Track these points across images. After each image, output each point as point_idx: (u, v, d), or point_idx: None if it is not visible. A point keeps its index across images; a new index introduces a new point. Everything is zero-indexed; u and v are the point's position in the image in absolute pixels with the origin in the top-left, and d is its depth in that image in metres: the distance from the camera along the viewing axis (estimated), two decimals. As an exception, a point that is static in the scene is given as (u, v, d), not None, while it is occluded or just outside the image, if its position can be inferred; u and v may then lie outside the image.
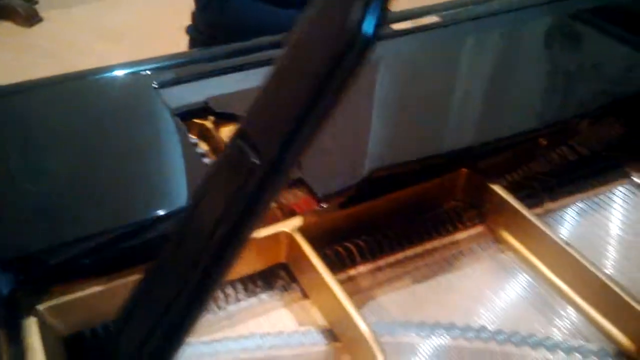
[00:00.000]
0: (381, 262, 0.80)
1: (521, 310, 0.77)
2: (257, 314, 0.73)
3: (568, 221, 0.89)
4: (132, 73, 0.86)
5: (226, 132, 0.97)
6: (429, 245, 0.83)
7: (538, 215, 0.83)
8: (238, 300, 0.73)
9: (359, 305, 0.74)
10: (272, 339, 0.69)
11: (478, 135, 0.86)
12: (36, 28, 3.42)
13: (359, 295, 0.76)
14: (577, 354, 0.70)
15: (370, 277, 0.79)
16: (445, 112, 0.89)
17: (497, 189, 0.83)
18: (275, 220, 0.76)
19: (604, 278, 0.71)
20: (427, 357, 0.69)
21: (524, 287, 0.80)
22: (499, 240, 0.85)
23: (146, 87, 0.85)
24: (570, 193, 0.91)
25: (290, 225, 0.75)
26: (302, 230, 0.75)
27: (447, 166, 0.85)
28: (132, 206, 0.67)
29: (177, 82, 0.87)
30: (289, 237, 0.74)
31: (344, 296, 0.67)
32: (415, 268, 0.81)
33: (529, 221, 0.79)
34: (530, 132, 0.88)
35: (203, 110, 0.84)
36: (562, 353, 0.70)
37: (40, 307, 0.62)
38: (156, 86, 0.85)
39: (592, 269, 0.73)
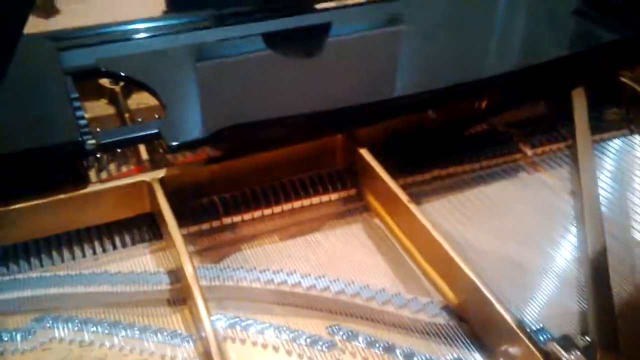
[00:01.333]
0: (247, 217, 0.84)
1: (374, 268, 0.80)
2: (122, 258, 0.79)
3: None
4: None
5: (136, 99, 1.04)
6: (298, 204, 0.87)
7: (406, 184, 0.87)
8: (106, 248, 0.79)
9: (209, 256, 0.80)
10: (123, 276, 0.74)
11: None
12: (53, 20, 3.59)
13: (216, 248, 0.81)
14: (408, 308, 0.73)
15: (232, 231, 0.84)
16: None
17: (365, 154, 0.87)
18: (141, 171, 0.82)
19: (441, 241, 0.74)
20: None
21: (381, 247, 0.83)
22: (367, 204, 0.88)
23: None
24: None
25: (151, 176, 0.80)
26: (164, 181, 0.80)
27: (321, 130, 0.88)
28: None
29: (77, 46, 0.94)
30: (149, 186, 0.79)
31: (183, 248, 0.72)
32: (283, 226, 0.86)
33: (389, 187, 0.82)
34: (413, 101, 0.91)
35: (93, 70, 0.90)
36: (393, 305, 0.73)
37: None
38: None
39: (433, 232, 0.75)
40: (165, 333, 0.69)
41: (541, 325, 0.70)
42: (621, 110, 1.08)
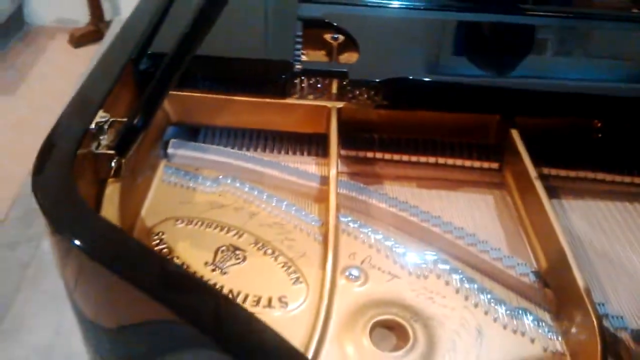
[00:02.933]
0: (396, 157, 1.00)
1: (488, 227, 0.90)
2: (295, 161, 1.02)
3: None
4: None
5: (346, 57, 1.27)
6: (443, 160, 1.00)
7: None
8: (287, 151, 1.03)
9: (355, 178, 0.98)
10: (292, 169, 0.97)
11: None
12: None
13: (363, 175, 0.99)
14: (502, 262, 0.82)
15: (381, 166, 1.00)
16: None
17: (515, 134, 0.96)
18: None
19: (556, 227, 0.80)
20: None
21: (503, 217, 0.92)
22: (505, 180, 0.97)
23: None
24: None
25: (333, 104, 1.01)
26: (341, 110, 1.00)
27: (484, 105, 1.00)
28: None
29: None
30: (328, 111, 1.00)
31: (335, 161, 0.91)
32: (425, 176, 1.00)
33: (527, 170, 0.90)
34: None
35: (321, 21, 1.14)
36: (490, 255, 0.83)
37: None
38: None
39: (552, 217, 0.82)
40: (303, 213, 0.90)
41: (620, 316, 0.74)
42: None
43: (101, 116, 0.83)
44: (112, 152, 0.81)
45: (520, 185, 0.93)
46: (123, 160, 0.82)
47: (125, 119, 0.82)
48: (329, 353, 0.70)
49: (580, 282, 0.71)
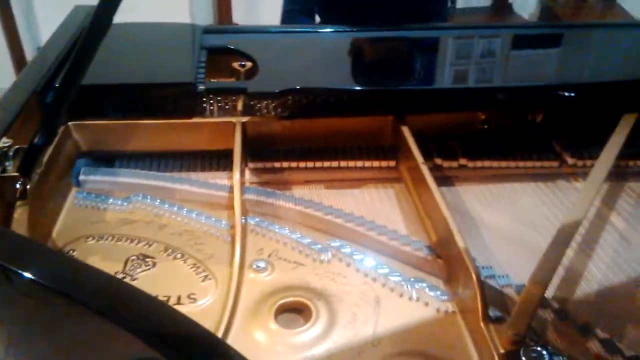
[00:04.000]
0: (302, 164, 1.06)
1: (389, 216, 0.97)
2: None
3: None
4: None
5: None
6: (344, 164, 1.07)
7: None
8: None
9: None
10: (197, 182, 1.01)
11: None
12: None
13: (271, 183, 1.05)
14: (399, 240, 0.88)
15: (287, 173, 1.06)
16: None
17: (405, 130, 1.05)
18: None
19: (442, 207, 0.87)
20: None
21: (402, 205, 0.99)
22: (400, 174, 1.05)
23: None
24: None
25: (238, 119, 1.07)
26: (245, 125, 1.06)
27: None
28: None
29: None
30: (233, 126, 1.06)
31: (238, 171, 0.97)
32: (329, 179, 1.06)
33: (417, 161, 0.98)
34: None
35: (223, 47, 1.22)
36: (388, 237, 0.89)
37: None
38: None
39: (437, 197, 0.90)
40: (212, 219, 0.94)
41: (505, 274, 0.81)
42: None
43: (4, 142, 0.86)
44: (16, 174, 0.84)
45: (412, 176, 1.01)
46: (28, 182, 0.84)
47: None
48: (237, 338, 0.74)
49: (460, 244, 0.78)
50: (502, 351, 0.67)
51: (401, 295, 0.80)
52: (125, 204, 0.97)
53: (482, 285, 0.74)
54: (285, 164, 1.06)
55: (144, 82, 1.07)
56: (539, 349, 0.65)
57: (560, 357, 0.69)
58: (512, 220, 0.97)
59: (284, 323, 0.77)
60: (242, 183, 0.97)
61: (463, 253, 0.77)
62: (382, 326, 0.75)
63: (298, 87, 1.05)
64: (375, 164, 1.07)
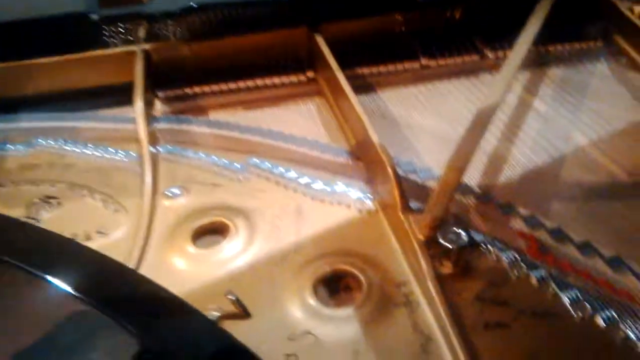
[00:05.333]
0: (215, 88, 1.00)
1: (310, 129, 0.92)
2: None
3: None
4: None
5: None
6: (261, 82, 1.01)
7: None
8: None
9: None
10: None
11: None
12: None
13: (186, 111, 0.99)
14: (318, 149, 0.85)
15: (202, 99, 1.00)
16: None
17: (320, 41, 0.99)
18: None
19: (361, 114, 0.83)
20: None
21: (323, 118, 0.95)
22: (320, 87, 1.01)
23: None
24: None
25: (140, 47, 0.99)
26: (148, 52, 0.99)
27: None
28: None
29: None
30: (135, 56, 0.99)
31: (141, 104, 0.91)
32: (247, 100, 1.01)
33: (334, 71, 0.93)
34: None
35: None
36: (308, 147, 0.85)
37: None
38: None
39: (354, 102, 0.86)
40: (121, 153, 0.88)
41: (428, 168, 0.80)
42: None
43: None
44: None
45: (330, 86, 0.97)
46: None
47: None
48: (153, 265, 0.70)
49: (375, 140, 0.75)
50: (421, 238, 0.65)
51: (322, 202, 0.77)
52: (26, 148, 0.90)
53: (397, 176, 0.71)
54: (197, 90, 1.00)
55: (30, 17, 0.97)
56: (456, 230, 0.64)
57: (482, 236, 0.68)
58: (438, 120, 0.94)
59: (204, 245, 0.73)
60: (149, 112, 0.90)
61: (378, 148, 0.74)
62: (304, 233, 0.73)
63: (195, 5, 0.98)
64: (293, 79, 1.02)
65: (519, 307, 0.62)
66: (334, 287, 0.67)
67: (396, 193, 0.69)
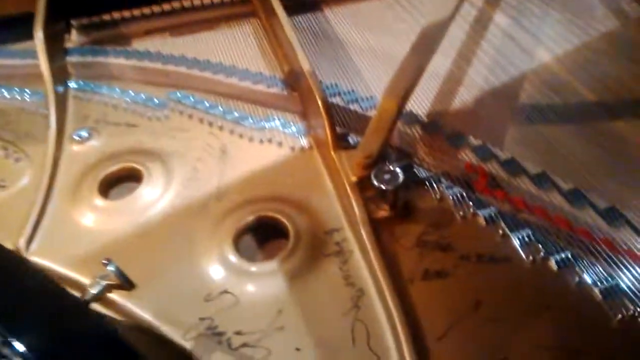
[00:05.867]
0: (136, 13, 0.88)
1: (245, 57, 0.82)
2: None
3: None
4: None
5: None
6: (187, 3, 0.89)
7: None
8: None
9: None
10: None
11: None
12: None
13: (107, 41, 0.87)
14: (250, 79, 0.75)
15: (123, 26, 0.88)
16: None
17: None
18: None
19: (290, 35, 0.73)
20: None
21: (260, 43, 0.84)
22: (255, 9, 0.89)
23: None
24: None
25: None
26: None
27: None
28: None
29: None
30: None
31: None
32: (175, 24, 0.89)
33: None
34: None
35: None
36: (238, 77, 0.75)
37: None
38: None
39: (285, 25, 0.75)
40: (25, 94, 0.77)
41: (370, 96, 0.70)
42: None
43: None
44: None
45: (263, 3, 0.85)
46: None
47: None
48: (56, 220, 0.61)
49: (306, 67, 0.66)
50: (353, 179, 0.57)
51: (251, 141, 0.68)
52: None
53: (328, 108, 0.62)
54: (117, 15, 0.88)
55: None
56: (392, 168, 0.55)
57: (426, 173, 0.60)
58: (391, 41, 0.83)
59: (113, 196, 0.65)
60: (57, 43, 0.79)
61: (308, 76, 0.64)
62: (229, 177, 0.64)
63: None
64: (226, -1, 0.90)
65: (463, 252, 0.55)
66: (259, 238, 0.59)
67: (327, 127, 0.61)
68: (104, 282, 0.46)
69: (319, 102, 0.62)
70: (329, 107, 0.62)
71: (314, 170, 0.64)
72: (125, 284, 0.46)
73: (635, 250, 0.54)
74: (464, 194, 0.59)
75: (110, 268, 0.46)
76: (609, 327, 0.49)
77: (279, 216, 0.58)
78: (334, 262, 0.55)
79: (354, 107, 0.70)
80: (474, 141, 0.65)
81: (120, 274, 0.45)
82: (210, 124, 0.71)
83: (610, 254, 0.54)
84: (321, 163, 0.64)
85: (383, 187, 0.55)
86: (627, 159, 0.63)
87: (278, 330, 0.51)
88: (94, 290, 0.45)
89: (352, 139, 0.65)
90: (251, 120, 0.70)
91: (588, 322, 0.50)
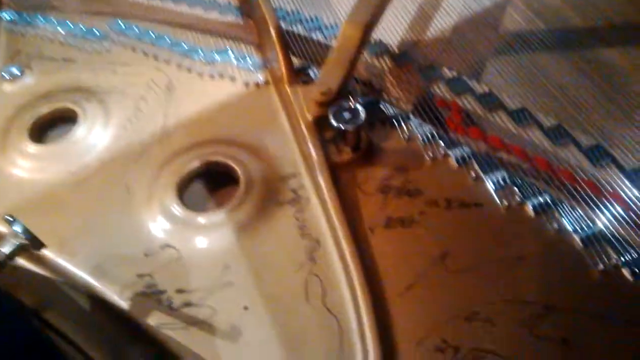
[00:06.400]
0: None
1: None
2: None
3: None
4: None
5: None
6: None
7: None
8: None
9: None
10: None
11: None
12: None
13: None
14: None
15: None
16: None
17: None
18: None
19: None
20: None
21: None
22: None
23: None
24: None
25: None
26: None
27: None
28: None
29: None
30: None
31: None
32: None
33: None
34: None
35: None
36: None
37: None
38: None
39: None
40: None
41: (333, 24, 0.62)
42: None
43: None
44: None
45: None
46: None
47: None
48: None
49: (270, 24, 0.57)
50: (309, 118, 0.51)
51: (201, 75, 0.61)
52: None
53: (281, 37, 0.55)
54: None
55: None
56: (353, 105, 0.49)
57: (393, 109, 0.54)
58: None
59: (46, 140, 0.58)
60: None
61: (261, 1, 0.57)
62: (175, 117, 0.57)
63: None
64: None
65: (431, 197, 0.49)
66: (210, 186, 0.53)
67: (280, 57, 0.54)
68: (17, 241, 0.41)
69: (271, 29, 0.54)
70: (282, 34, 0.55)
71: (270, 109, 0.57)
72: (34, 244, 0.40)
73: (621, 193, 0.49)
74: (435, 132, 0.53)
75: (16, 227, 0.40)
76: (589, 278, 0.45)
77: (228, 161, 0.52)
78: (288, 211, 0.50)
79: (317, 36, 0.62)
80: (449, 73, 0.58)
81: (25, 232, 0.40)
82: (156, 58, 0.63)
83: (594, 197, 0.49)
84: (278, 101, 0.57)
85: (342, 127, 0.48)
86: (617, 91, 0.57)
87: (225, 287, 0.46)
88: (4, 250, 0.39)
89: (313, 72, 0.58)
90: (201, 53, 0.63)
91: (567, 273, 0.45)
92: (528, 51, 0.61)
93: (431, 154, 0.52)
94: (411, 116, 0.54)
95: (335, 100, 0.50)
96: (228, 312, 0.45)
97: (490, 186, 0.49)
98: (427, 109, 0.55)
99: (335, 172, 0.50)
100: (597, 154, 0.51)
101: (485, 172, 0.50)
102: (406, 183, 0.50)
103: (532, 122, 0.54)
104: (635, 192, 0.49)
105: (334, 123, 0.48)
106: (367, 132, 0.52)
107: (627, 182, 0.50)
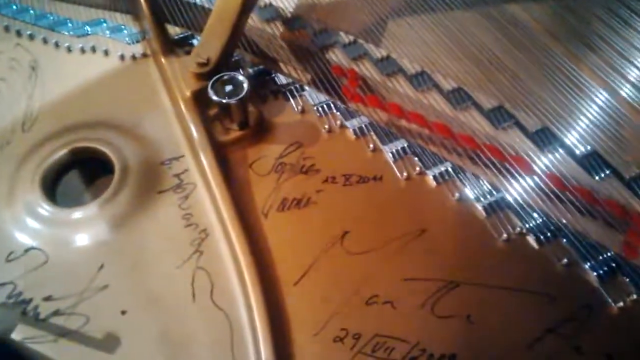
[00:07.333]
0: None
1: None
2: None
3: None
4: None
5: None
6: None
7: None
8: None
9: None
10: None
11: None
12: None
13: None
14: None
15: None
16: None
17: None
18: None
19: None
20: None
21: None
22: None
23: None
24: None
25: None
26: None
27: None
28: None
29: None
30: None
31: None
32: None
33: None
34: None
35: None
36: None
37: None
38: None
39: None
40: None
41: None
42: None
43: None
44: None
45: None
46: None
47: None
48: None
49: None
50: (187, 94, 0.46)
51: (70, 50, 0.54)
52: None
53: (150, 2, 0.49)
54: None
55: None
56: (235, 76, 0.44)
57: (285, 79, 0.49)
58: None
59: None
60: None
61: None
62: (40, 99, 0.50)
63: None
64: None
65: (328, 174, 0.45)
66: (86, 177, 0.47)
67: (150, 24, 0.48)
68: None
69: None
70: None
71: (149, 85, 0.51)
72: None
73: (524, 156, 0.47)
74: (331, 103, 0.49)
75: None
76: (493, 249, 0.42)
77: (98, 146, 0.46)
78: (171, 200, 0.45)
79: (201, 1, 0.57)
80: (345, 38, 0.54)
81: None
82: (19, 33, 0.55)
83: (496, 161, 0.46)
84: (159, 76, 0.51)
85: (224, 101, 0.43)
86: (523, 47, 0.55)
87: (100, 290, 0.41)
88: None
89: (198, 41, 0.53)
90: (70, 25, 0.55)
91: (470, 245, 0.43)
92: (428, 11, 0.58)
93: (327, 127, 0.48)
94: (305, 86, 0.50)
95: (217, 71, 0.45)
96: (103, 319, 0.40)
97: (389, 157, 0.46)
98: (323, 78, 0.51)
99: (222, 153, 0.45)
100: (499, 116, 0.49)
101: (384, 143, 0.47)
102: (301, 160, 0.46)
103: (432, 86, 0.51)
104: (539, 153, 0.47)
105: (214, 97, 0.43)
106: (256, 105, 0.48)
107: (530, 144, 0.48)
